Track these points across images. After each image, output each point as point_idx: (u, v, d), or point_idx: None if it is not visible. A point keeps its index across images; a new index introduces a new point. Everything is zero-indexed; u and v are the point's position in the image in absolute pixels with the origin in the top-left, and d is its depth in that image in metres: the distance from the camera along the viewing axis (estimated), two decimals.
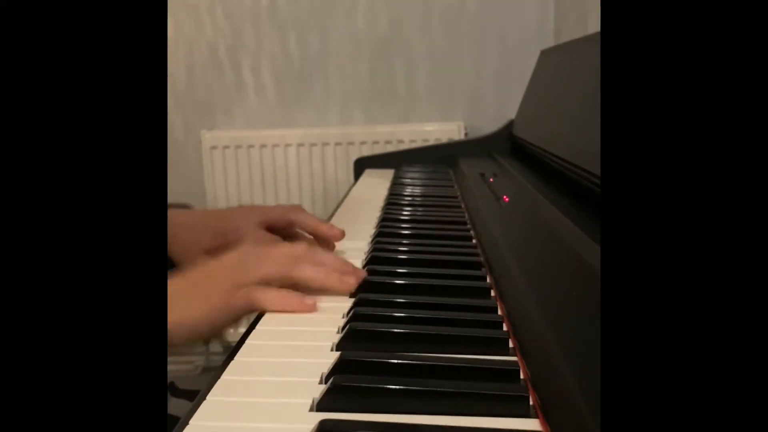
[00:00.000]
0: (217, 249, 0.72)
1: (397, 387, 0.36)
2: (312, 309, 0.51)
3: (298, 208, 0.73)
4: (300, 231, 0.72)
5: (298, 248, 0.57)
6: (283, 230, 0.72)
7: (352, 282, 0.54)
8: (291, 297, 0.51)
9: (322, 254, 0.57)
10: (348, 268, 0.55)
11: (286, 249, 0.57)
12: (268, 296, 0.51)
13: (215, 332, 0.54)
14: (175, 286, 0.54)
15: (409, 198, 0.94)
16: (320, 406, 0.36)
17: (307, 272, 0.53)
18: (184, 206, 0.84)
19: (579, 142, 0.71)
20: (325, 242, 0.69)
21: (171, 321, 0.51)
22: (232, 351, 0.44)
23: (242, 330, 0.49)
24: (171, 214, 0.79)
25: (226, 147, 1.66)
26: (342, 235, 0.68)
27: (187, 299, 0.53)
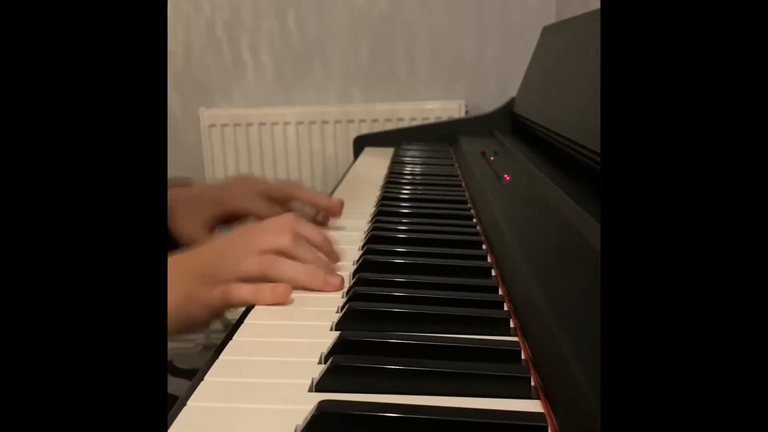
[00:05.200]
0: (217, 218, 0.72)
1: (397, 367, 0.36)
2: (284, 297, 0.49)
3: (298, 185, 0.73)
4: (299, 207, 0.72)
5: (284, 238, 0.53)
6: (281, 204, 0.72)
7: (336, 284, 0.51)
8: (263, 290, 0.49)
9: (305, 250, 0.53)
10: (331, 266, 0.54)
11: (269, 241, 0.53)
12: (242, 292, 0.49)
13: (190, 326, 0.52)
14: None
15: (409, 176, 0.94)
16: (319, 386, 0.36)
17: (289, 272, 0.51)
18: (185, 181, 0.83)
19: (581, 119, 0.70)
20: (325, 216, 0.70)
21: None
22: (230, 331, 0.43)
23: (242, 310, 0.48)
24: (171, 189, 0.78)
25: (224, 125, 1.64)
26: (341, 205, 0.68)
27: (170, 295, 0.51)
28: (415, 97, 1.66)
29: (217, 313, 0.51)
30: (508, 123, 1.24)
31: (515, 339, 0.41)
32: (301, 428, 0.31)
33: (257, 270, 0.50)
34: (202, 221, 0.72)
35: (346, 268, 0.55)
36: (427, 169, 1.01)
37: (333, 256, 0.57)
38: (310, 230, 0.55)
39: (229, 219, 0.73)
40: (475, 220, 0.69)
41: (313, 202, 0.70)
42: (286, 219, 0.55)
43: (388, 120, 1.62)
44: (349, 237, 0.64)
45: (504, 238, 0.56)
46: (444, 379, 0.35)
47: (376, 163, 1.10)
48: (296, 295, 0.50)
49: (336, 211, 0.69)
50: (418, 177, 0.94)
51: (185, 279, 0.51)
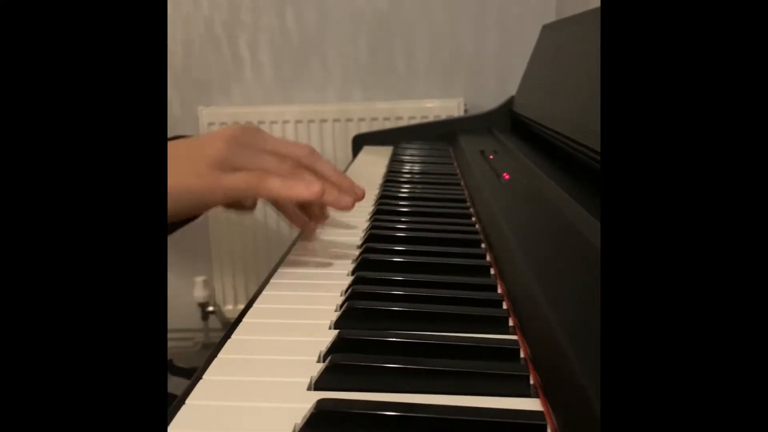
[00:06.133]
0: None
1: (396, 366, 0.36)
2: (318, 196, 0.49)
3: (312, 150, 0.70)
4: None
5: (302, 151, 0.53)
6: None
7: (349, 201, 0.52)
8: (297, 184, 0.50)
9: (324, 165, 0.54)
10: (346, 186, 0.54)
11: (293, 148, 0.53)
12: (274, 183, 0.49)
13: (199, 211, 0.52)
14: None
15: (408, 175, 0.94)
16: (318, 384, 0.35)
17: (303, 190, 0.51)
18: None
19: (580, 118, 0.70)
20: (322, 209, 0.65)
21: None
22: (229, 329, 0.43)
23: (240, 307, 0.48)
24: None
25: (223, 123, 1.64)
26: (363, 194, 0.61)
27: (170, 168, 0.49)
28: (414, 95, 1.66)
29: (237, 197, 0.51)
30: (508, 121, 1.24)
31: (514, 337, 0.41)
32: (300, 426, 0.31)
33: (275, 167, 0.51)
34: None
35: (345, 267, 0.55)
36: (426, 167, 1.01)
37: (352, 189, 0.56)
38: (324, 165, 0.55)
39: None
40: (474, 219, 0.69)
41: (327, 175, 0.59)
42: (302, 147, 0.55)
43: (387, 119, 1.62)
44: (348, 235, 0.64)
45: (503, 236, 0.56)
46: (443, 378, 0.35)
47: (374, 162, 1.10)
48: (295, 294, 0.50)
49: (359, 196, 0.60)
50: (416, 175, 0.94)
51: (195, 160, 0.50)
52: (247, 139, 0.52)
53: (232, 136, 0.51)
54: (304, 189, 0.49)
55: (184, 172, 0.49)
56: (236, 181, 0.49)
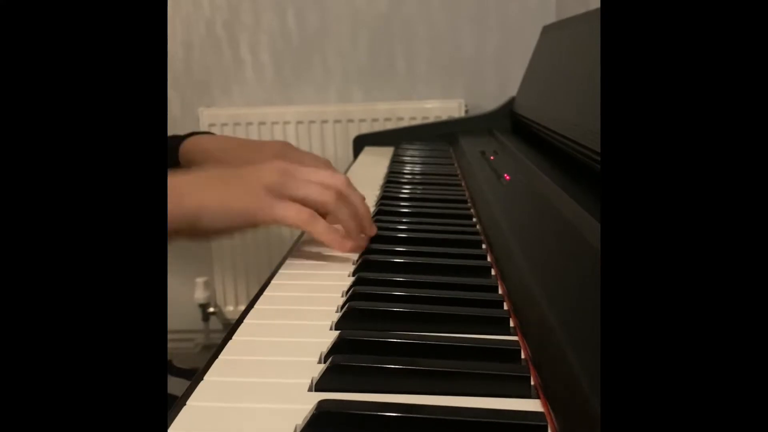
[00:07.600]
0: None
1: (397, 366, 0.36)
2: (358, 250, 0.56)
3: (328, 163, 0.75)
4: None
5: (341, 181, 0.58)
6: None
7: (363, 245, 0.58)
8: (336, 234, 0.55)
9: (356, 197, 0.59)
10: (367, 223, 0.59)
11: (334, 180, 0.57)
12: (318, 227, 0.54)
13: (243, 228, 0.56)
14: (216, 172, 0.57)
15: (409, 176, 0.94)
16: (319, 385, 0.36)
17: (344, 215, 0.56)
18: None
19: (581, 119, 0.70)
20: None
21: (204, 202, 0.53)
22: (230, 330, 0.43)
23: (241, 308, 0.48)
24: (206, 137, 0.84)
25: (224, 124, 1.64)
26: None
27: (226, 187, 0.55)
28: (414, 96, 1.66)
29: (274, 223, 0.55)
30: (508, 122, 1.24)
31: (515, 338, 0.41)
32: (301, 428, 0.31)
33: (322, 200, 0.55)
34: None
35: (346, 267, 0.55)
36: (426, 168, 1.01)
37: (369, 229, 0.60)
38: (356, 197, 0.59)
39: None
40: (474, 220, 0.69)
41: None
42: (340, 178, 0.59)
43: (387, 119, 1.62)
44: None
45: (504, 237, 0.56)
46: (444, 379, 0.35)
47: (375, 163, 1.10)
48: (296, 295, 0.50)
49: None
50: (417, 176, 0.94)
51: (252, 185, 0.55)
52: (294, 172, 0.57)
53: (285, 168, 0.57)
54: (338, 244, 0.56)
55: (242, 194, 0.55)
56: (287, 212, 0.54)
